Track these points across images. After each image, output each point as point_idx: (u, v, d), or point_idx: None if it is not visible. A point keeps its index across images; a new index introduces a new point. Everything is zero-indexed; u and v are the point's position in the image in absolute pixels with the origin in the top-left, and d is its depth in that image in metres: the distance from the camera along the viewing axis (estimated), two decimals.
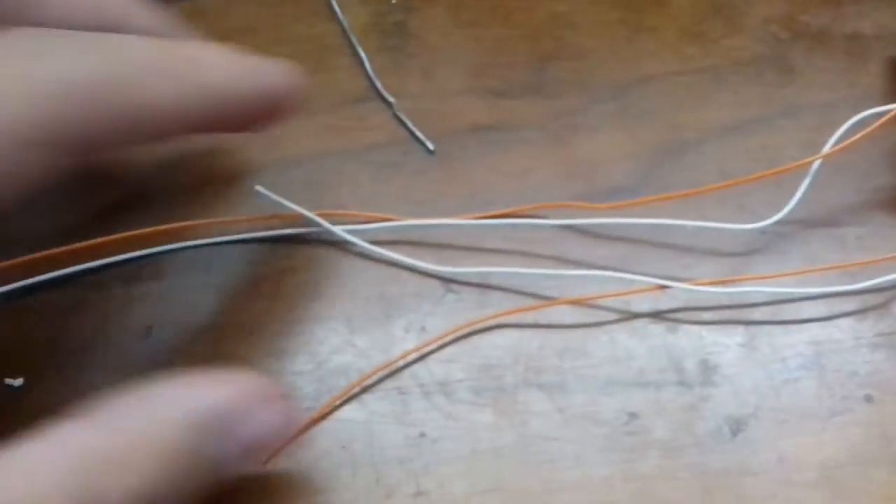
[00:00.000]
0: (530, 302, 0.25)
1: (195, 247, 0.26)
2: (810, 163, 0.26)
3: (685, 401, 0.24)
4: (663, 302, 0.26)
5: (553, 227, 0.26)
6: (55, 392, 0.24)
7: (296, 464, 0.23)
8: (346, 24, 0.31)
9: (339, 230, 0.26)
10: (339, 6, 0.31)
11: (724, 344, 0.25)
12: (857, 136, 0.26)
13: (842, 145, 0.26)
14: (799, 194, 0.26)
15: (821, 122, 0.29)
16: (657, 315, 0.25)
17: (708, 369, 0.24)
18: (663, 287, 0.25)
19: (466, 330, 0.25)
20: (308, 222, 0.26)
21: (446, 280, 0.26)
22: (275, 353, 0.25)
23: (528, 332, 0.25)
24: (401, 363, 0.24)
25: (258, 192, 0.26)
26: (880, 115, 0.26)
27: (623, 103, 0.29)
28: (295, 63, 0.30)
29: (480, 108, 0.29)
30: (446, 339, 0.24)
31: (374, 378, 0.24)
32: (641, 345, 0.25)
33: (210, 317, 0.25)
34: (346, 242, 0.26)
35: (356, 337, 0.25)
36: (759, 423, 0.24)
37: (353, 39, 0.30)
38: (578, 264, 0.26)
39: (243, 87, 0.21)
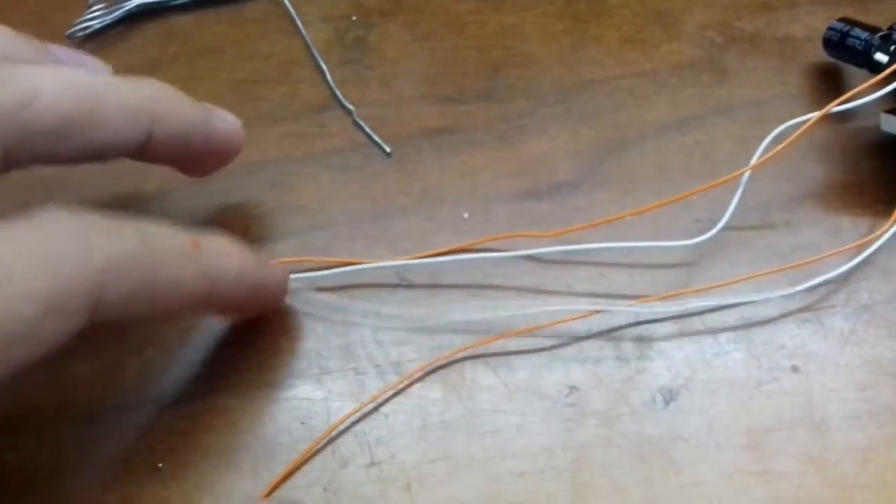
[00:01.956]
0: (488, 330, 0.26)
1: None
2: (741, 175, 0.27)
3: (622, 374, 0.26)
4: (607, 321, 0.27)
5: (503, 258, 0.27)
6: None
7: (259, 439, 0.24)
8: (309, 39, 0.33)
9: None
10: (303, 24, 0.33)
11: (659, 321, 0.27)
12: (782, 145, 0.27)
13: (768, 155, 0.27)
14: (732, 207, 0.27)
15: (753, 118, 0.31)
16: (601, 335, 0.26)
17: (643, 345, 0.26)
18: (600, 311, 0.26)
19: (429, 367, 0.26)
20: None
21: (400, 270, 0.28)
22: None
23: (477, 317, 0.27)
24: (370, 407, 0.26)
25: None
26: (802, 123, 0.27)
27: (568, 106, 0.32)
28: (260, 77, 0.32)
29: (434, 113, 0.31)
30: (414, 377, 0.26)
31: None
32: (583, 325, 0.26)
33: None
34: (299, 290, 0.27)
35: (317, 324, 0.27)
36: (690, 394, 0.25)
37: (316, 53, 0.33)
38: (530, 290, 0.27)
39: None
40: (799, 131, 0.27)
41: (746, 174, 0.27)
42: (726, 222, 0.27)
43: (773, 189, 0.29)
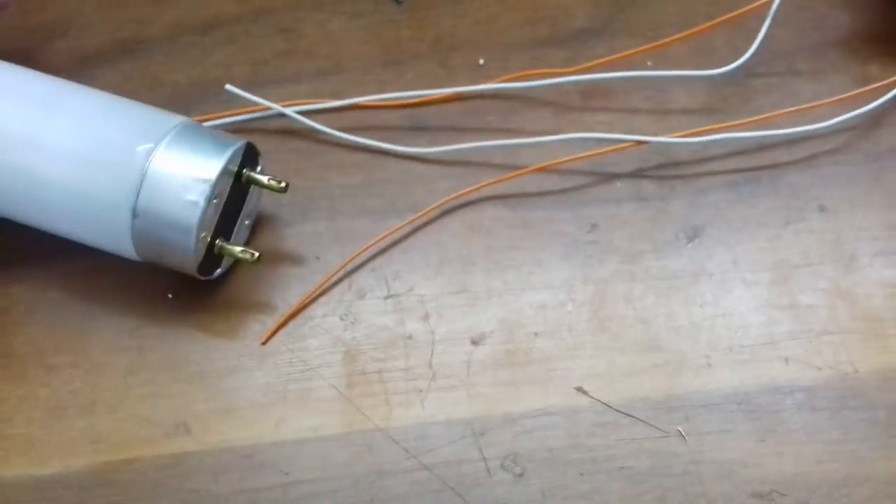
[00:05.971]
0: (506, 172, 0.25)
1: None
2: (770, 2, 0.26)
3: (644, 213, 0.25)
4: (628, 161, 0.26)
5: (520, 96, 0.27)
6: None
7: (264, 276, 0.24)
8: None
9: (303, 118, 0.26)
10: None
11: (683, 164, 0.26)
12: None
13: None
14: (761, 35, 0.26)
15: None
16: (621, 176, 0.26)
17: (664, 184, 0.25)
18: (641, 143, 0.25)
19: (446, 205, 0.25)
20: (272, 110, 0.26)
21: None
22: None
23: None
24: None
25: (227, 90, 0.26)
26: None
27: None
28: None
29: None
30: (430, 214, 0.25)
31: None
32: (603, 164, 0.26)
33: None
34: (317, 130, 0.26)
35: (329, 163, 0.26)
36: (714, 231, 0.25)
37: None
38: (549, 133, 0.26)
39: None
40: None
41: (776, 2, 0.26)
42: (755, 49, 0.26)
43: (799, 38, 0.28)
